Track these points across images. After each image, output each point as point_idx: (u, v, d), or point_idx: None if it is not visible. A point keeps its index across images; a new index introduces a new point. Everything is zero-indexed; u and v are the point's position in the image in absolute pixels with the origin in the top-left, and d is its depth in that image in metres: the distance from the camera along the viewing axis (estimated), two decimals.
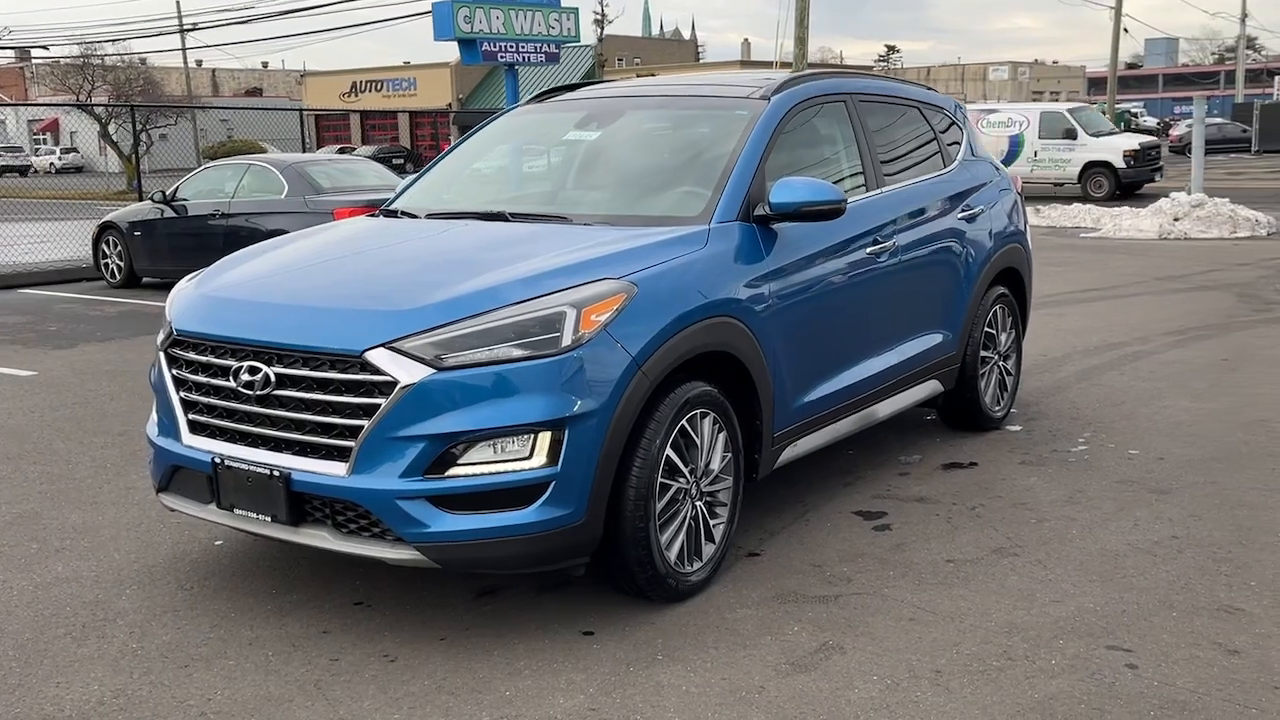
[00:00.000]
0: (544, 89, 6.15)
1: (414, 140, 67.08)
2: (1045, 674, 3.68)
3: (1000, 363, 6.67)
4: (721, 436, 4.43)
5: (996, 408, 6.65)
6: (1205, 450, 6.11)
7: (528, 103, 5.99)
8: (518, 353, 3.80)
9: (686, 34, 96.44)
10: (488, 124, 5.91)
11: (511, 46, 24.33)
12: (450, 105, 65.18)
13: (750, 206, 4.69)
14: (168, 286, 14.67)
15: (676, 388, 4.17)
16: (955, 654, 3.83)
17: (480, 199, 5.42)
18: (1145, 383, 7.79)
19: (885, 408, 5.65)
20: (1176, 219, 18.62)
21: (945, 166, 6.29)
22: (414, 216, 5.25)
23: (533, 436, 3.79)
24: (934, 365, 5.99)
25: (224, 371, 4.11)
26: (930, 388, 6.03)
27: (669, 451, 4.13)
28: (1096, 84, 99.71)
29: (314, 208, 12.58)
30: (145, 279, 14.64)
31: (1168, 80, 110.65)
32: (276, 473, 3.93)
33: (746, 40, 69.37)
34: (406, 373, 3.76)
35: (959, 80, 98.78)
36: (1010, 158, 26.04)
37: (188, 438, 4.24)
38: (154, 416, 4.56)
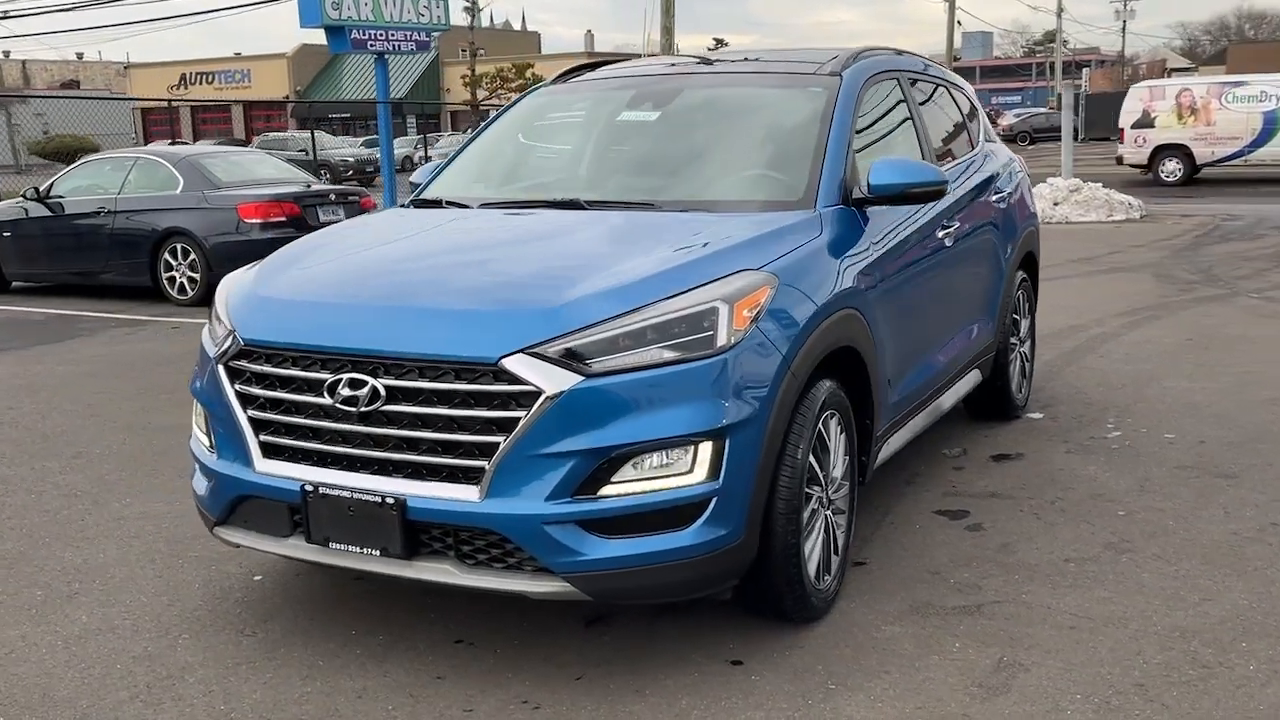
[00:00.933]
0: (565, 69, 5.67)
1: (249, 134, 64.81)
2: (1254, 681, 3.46)
3: (1020, 349, 6.51)
4: (843, 439, 4.09)
5: (1019, 395, 6.49)
6: (1238, 432, 6.05)
7: (551, 83, 5.51)
8: (669, 355, 3.38)
9: (516, 25, 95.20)
10: (511, 108, 5.41)
11: (381, 34, 23.51)
12: (288, 96, 63.11)
13: (846, 190, 4.36)
14: (43, 291, 13.59)
15: (812, 388, 3.81)
16: (1145, 664, 3.58)
17: (540, 186, 4.93)
18: (1129, 365, 7.77)
19: (948, 399, 5.41)
20: (1056, 203, 19.09)
21: (973, 149, 6.08)
22: (463, 206, 4.74)
23: (693, 448, 3.38)
24: (980, 354, 5.77)
25: (313, 386, 3.56)
26: (974, 378, 5.81)
27: (810, 458, 3.77)
28: None
29: (215, 203, 11.77)
30: (16, 284, 13.47)
31: (985, 72, 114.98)
32: (390, 500, 3.42)
33: (590, 32, 69.06)
34: (552, 381, 3.30)
35: None
36: (1265, 137, 23.99)
37: (261, 463, 3.68)
38: (201, 438, 3.97)
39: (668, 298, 3.46)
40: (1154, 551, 4.47)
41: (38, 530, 5.08)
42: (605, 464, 3.33)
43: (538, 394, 3.29)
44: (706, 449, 3.38)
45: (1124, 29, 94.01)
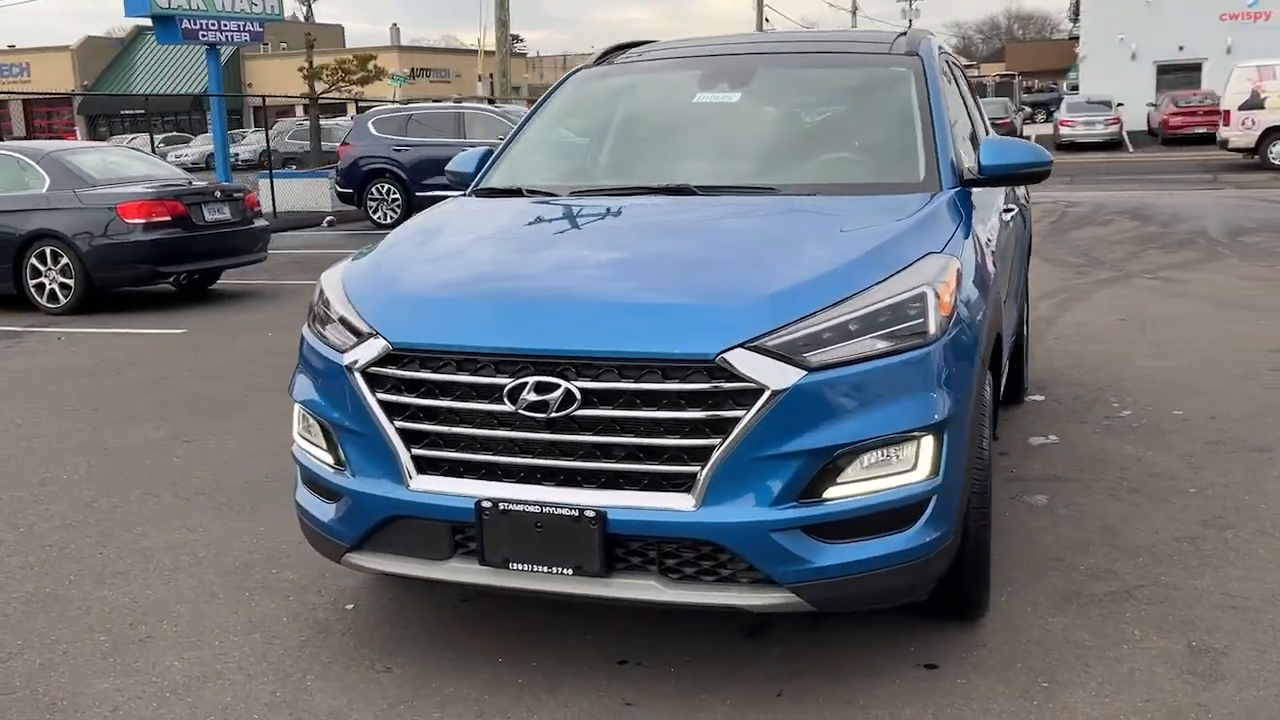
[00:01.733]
0: (604, 51, 5.37)
1: (31, 131, 60.90)
2: None
3: (1025, 331, 6.57)
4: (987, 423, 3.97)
5: (1027, 378, 6.54)
6: (1237, 408, 6.24)
7: (594, 65, 5.20)
8: (882, 345, 3.18)
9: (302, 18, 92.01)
10: (556, 92, 5.07)
11: (213, 24, 22.45)
12: (74, 91, 59.53)
13: (958, 170, 4.25)
14: None
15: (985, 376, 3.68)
16: None
17: (632, 172, 4.63)
18: (1089, 346, 7.97)
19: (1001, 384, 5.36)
20: None
21: (987, 134, 6.07)
22: (550, 194, 4.41)
23: (916, 444, 3.19)
24: (1016, 334, 5.76)
25: (486, 392, 3.22)
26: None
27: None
28: None
29: (90, 203, 10.90)
30: None
31: None
32: (589, 513, 3.11)
33: (395, 26, 67.43)
34: (775, 377, 3.05)
35: (564, 69, 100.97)
36: None
37: (417, 480, 3.30)
38: (319, 455, 3.55)
39: (871, 286, 3.26)
40: (1253, 527, 4.52)
41: (53, 568, 4.50)
42: (829, 465, 3.11)
43: (760, 391, 3.04)
44: (928, 444, 3.20)
45: (910, 26, 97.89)
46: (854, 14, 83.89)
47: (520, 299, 3.36)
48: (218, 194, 11.64)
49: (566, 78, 5.17)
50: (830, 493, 3.13)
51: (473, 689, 3.45)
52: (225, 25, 22.54)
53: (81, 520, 5.03)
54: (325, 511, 3.53)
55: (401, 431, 3.32)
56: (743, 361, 3.05)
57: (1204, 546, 4.34)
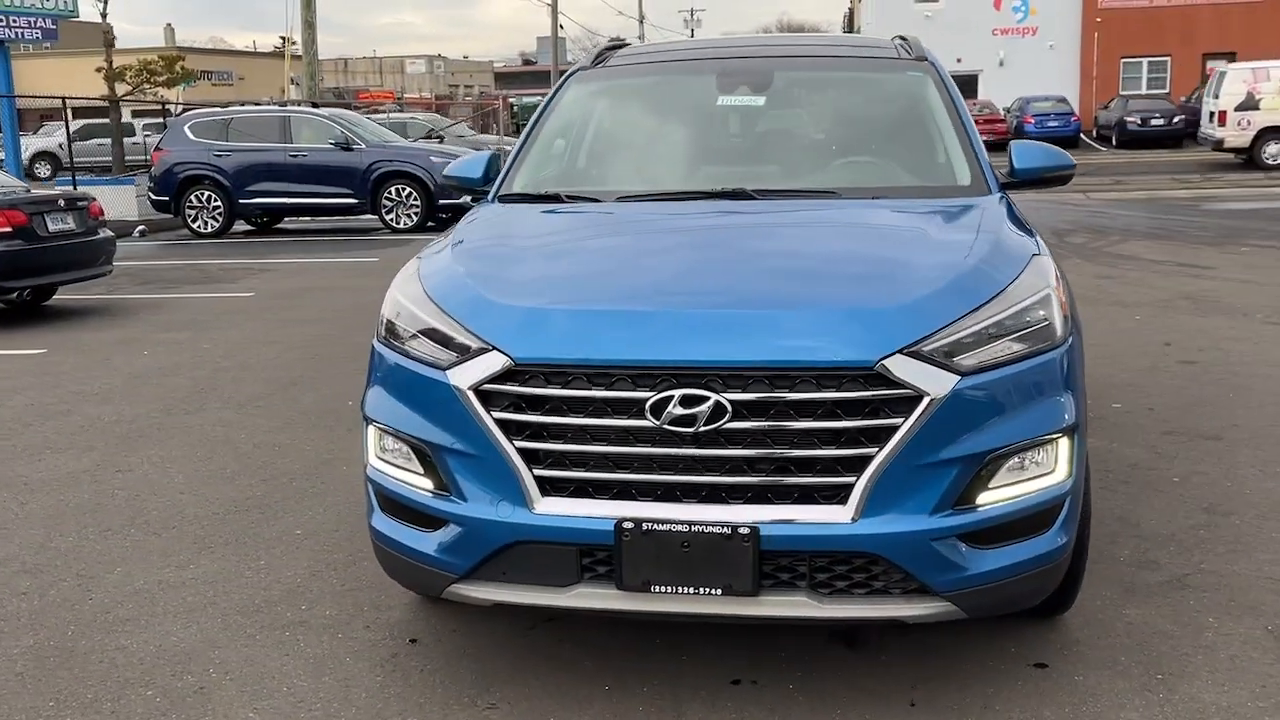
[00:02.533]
0: (599, 52, 5.19)
1: None
2: None
3: None
4: None
5: None
6: (1167, 398, 6.58)
7: (590, 67, 5.02)
8: (1019, 348, 3.18)
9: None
10: (560, 95, 4.85)
11: (2, 20, 20.90)
12: None
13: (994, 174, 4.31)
14: None
15: None
16: None
17: (675, 175, 4.47)
18: None
19: None
20: None
21: None
22: (594, 200, 4.23)
23: (1055, 447, 3.20)
24: None
25: (623, 407, 3.04)
26: None
27: None
28: (503, 78, 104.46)
29: None
30: None
31: (560, 76, 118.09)
32: (743, 529, 2.99)
33: (170, 26, 64.25)
34: (933, 383, 3.01)
35: (378, 72, 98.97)
36: None
37: (543, 502, 3.10)
38: (416, 482, 3.30)
39: (1004, 289, 3.25)
40: (1253, 512, 4.74)
41: (44, 617, 4.04)
42: (982, 470, 3.08)
43: (919, 398, 2.99)
44: (1064, 447, 3.21)
45: (692, 35, 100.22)
46: (641, 22, 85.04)
47: (656, 309, 3.20)
48: (62, 203, 10.78)
49: (567, 79, 4.98)
50: (982, 499, 3.10)
51: (596, 718, 3.25)
52: (15, 21, 21.04)
53: (46, 563, 4.54)
54: (423, 541, 3.27)
55: (523, 452, 3.10)
56: (901, 368, 2.99)
57: (1221, 533, 4.52)
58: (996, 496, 3.11)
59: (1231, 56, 40.78)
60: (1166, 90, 40.57)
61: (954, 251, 3.46)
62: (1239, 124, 25.76)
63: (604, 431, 3.07)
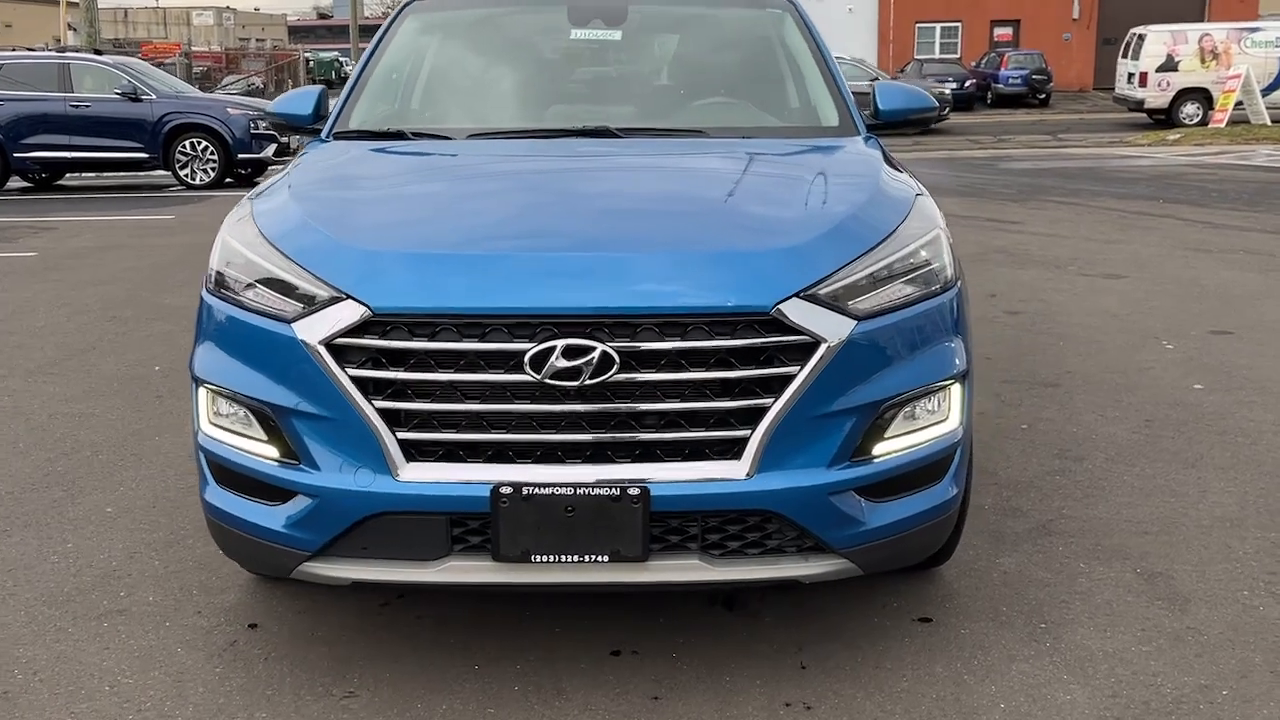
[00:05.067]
0: None
1: None
2: None
3: None
4: None
5: None
6: (999, 349, 6.66)
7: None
8: (910, 291, 3.04)
9: None
10: (395, 27, 4.45)
11: None
12: None
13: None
14: None
15: None
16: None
17: (530, 111, 4.14)
18: None
19: None
20: None
21: None
22: (442, 138, 3.89)
23: (947, 394, 3.08)
24: None
25: (499, 360, 2.76)
26: None
27: None
28: (297, 32, 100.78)
29: None
30: None
31: (362, 30, 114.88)
32: (632, 490, 2.76)
33: None
34: (830, 328, 2.83)
35: (161, 24, 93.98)
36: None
37: (408, 468, 2.80)
38: (260, 450, 2.94)
39: (894, 231, 3.09)
40: (1101, 456, 4.80)
41: None
42: (878, 420, 2.93)
43: (815, 344, 2.80)
44: (956, 394, 3.10)
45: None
46: None
47: (538, 251, 2.91)
48: None
49: (402, 9, 4.59)
50: (878, 449, 2.95)
51: (468, 702, 2.99)
52: None
53: None
54: (268, 516, 2.92)
55: (384, 413, 2.78)
56: (798, 313, 2.80)
57: (1076, 478, 4.54)
58: (892, 447, 2.97)
59: (1017, 25, 42.57)
60: (958, 55, 42.03)
61: (839, 193, 3.30)
62: (1159, 85, 26.54)
63: (477, 388, 2.78)
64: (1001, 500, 4.31)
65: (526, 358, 2.72)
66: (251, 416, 2.93)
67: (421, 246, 2.94)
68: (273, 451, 2.90)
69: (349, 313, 2.77)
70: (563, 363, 2.71)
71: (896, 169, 3.66)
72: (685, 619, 3.38)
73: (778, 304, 2.78)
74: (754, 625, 3.37)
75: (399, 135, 3.91)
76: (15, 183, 17.45)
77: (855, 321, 2.85)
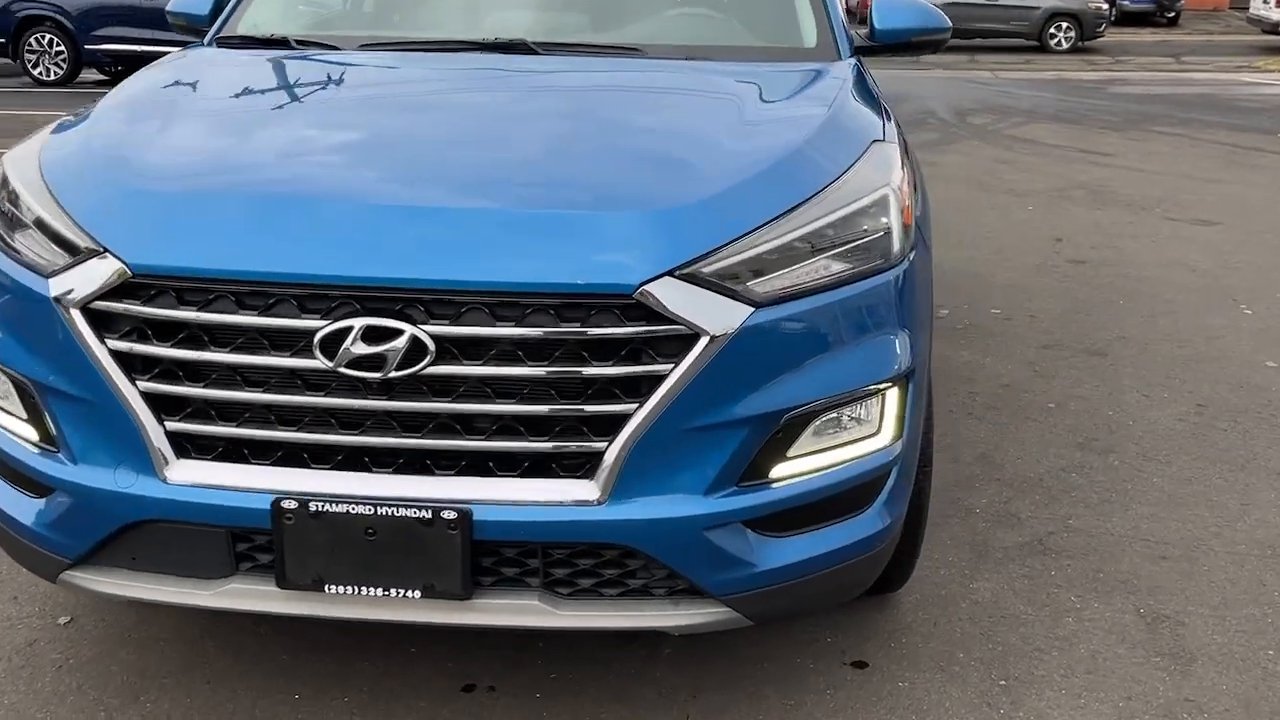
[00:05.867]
0: None
1: None
2: None
3: None
4: None
5: None
6: (1050, 302, 5.89)
7: None
8: (840, 268, 2.36)
9: None
10: None
11: None
12: None
13: (849, 34, 3.45)
14: None
15: None
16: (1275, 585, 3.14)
17: (439, 19, 3.52)
18: None
19: None
20: None
21: None
22: (331, 47, 3.28)
23: (880, 401, 2.42)
24: None
25: (287, 340, 2.18)
26: None
27: None
28: None
29: None
30: None
31: None
32: (448, 512, 2.17)
33: None
34: (715, 317, 2.18)
35: None
36: None
37: (177, 467, 2.24)
38: (17, 426, 2.41)
39: (824, 188, 2.41)
40: (1134, 450, 4.07)
41: None
42: (778, 434, 2.28)
43: (694, 337, 2.15)
44: (893, 400, 2.43)
45: None
46: None
47: (338, 200, 2.30)
48: None
49: None
50: (778, 471, 2.31)
51: None
52: None
53: None
54: (28, 510, 2.40)
55: (150, 398, 2.22)
56: (672, 296, 2.15)
57: (1095, 477, 3.84)
58: (799, 468, 2.33)
59: None
60: None
61: (769, 134, 2.62)
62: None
63: (262, 373, 2.20)
64: (998, 502, 3.64)
65: (316, 339, 2.13)
66: (12, 388, 2.40)
67: (200, 188, 2.35)
68: (32, 433, 2.38)
69: (104, 270, 2.20)
70: (361, 348, 2.12)
71: (870, 103, 2.95)
72: (566, 647, 2.80)
73: (643, 284, 2.14)
74: (648, 660, 2.78)
75: (284, 43, 3.30)
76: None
77: (752, 308, 2.20)
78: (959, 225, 7.53)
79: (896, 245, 2.43)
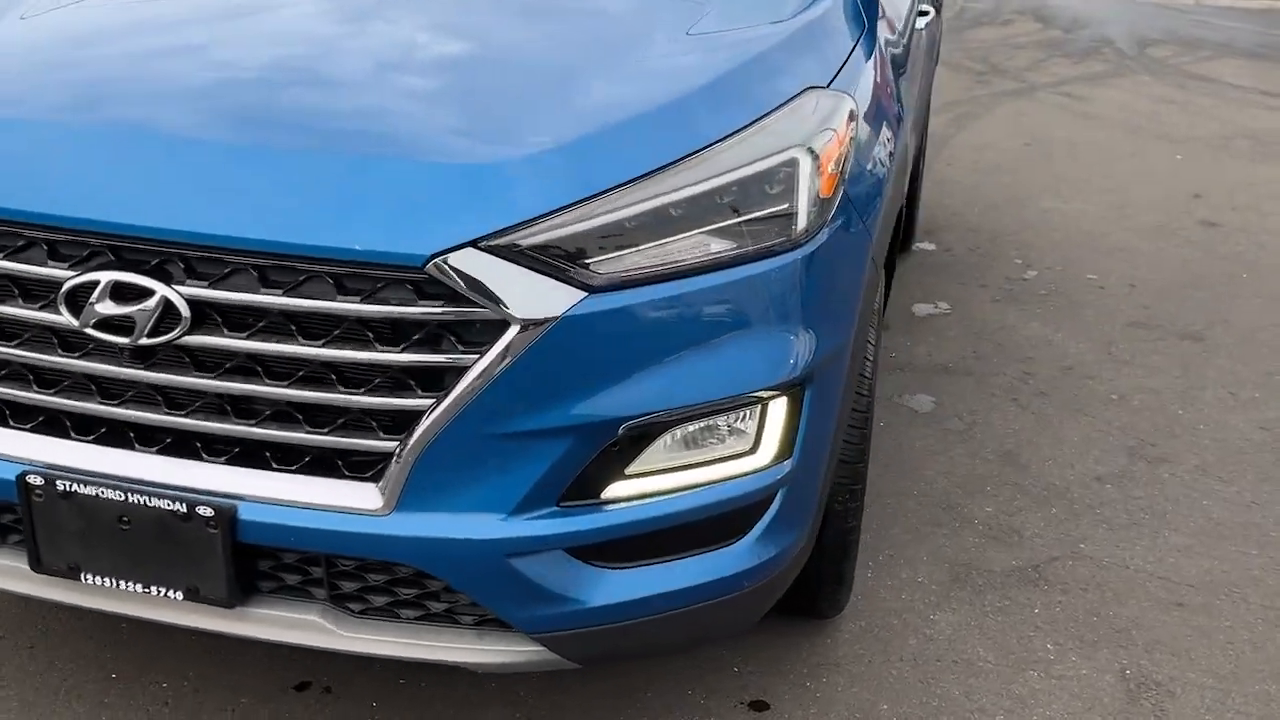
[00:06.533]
0: None
1: None
2: None
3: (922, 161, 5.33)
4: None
5: (917, 221, 5.35)
6: (1158, 272, 5.17)
7: None
8: (719, 246, 1.90)
9: None
10: None
11: None
12: None
13: None
14: None
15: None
16: None
17: None
18: (988, 178, 6.80)
19: None
20: None
21: None
22: None
23: (759, 412, 1.96)
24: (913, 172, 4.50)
25: (34, 290, 1.86)
26: None
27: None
28: None
29: None
30: None
31: None
32: (204, 509, 1.83)
33: None
34: (532, 300, 1.76)
35: None
36: None
37: None
38: None
39: (711, 144, 1.94)
40: (1193, 461, 3.47)
41: None
42: (613, 446, 1.86)
43: (504, 324, 1.74)
44: (779, 412, 1.97)
45: None
46: None
47: (100, 134, 1.95)
48: None
49: None
50: (615, 491, 1.90)
51: None
52: None
53: None
54: None
55: None
56: (475, 271, 1.74)
57: (1133, 492, 3.28)
58: (642, 489, 1.92)
59: None
60: None
61: (655, 68, 2.16)
62: None
63: (12, 325, 1.89)
64: (1004, 513, 3.13)
65: (61, 292, 1.81)
66: None
67: None
68: None
69: None
70: (109, 307, 1.79)
71: (837, 34, 2.42)
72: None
73: (437, 255, 1.73)
74: (510, 678, 2.42)
75: None
76: None
77: (585, 293, 1.78)
78: (1084, 173, 6.78)
79: (803, 222, 1.96)
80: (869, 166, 2.24)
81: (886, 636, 2.61)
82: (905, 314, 4.57)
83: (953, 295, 4.79)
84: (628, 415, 1.85)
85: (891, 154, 2.41)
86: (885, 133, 2.38)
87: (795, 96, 2.10)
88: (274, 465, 1.87)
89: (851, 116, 2.17)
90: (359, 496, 1.84)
